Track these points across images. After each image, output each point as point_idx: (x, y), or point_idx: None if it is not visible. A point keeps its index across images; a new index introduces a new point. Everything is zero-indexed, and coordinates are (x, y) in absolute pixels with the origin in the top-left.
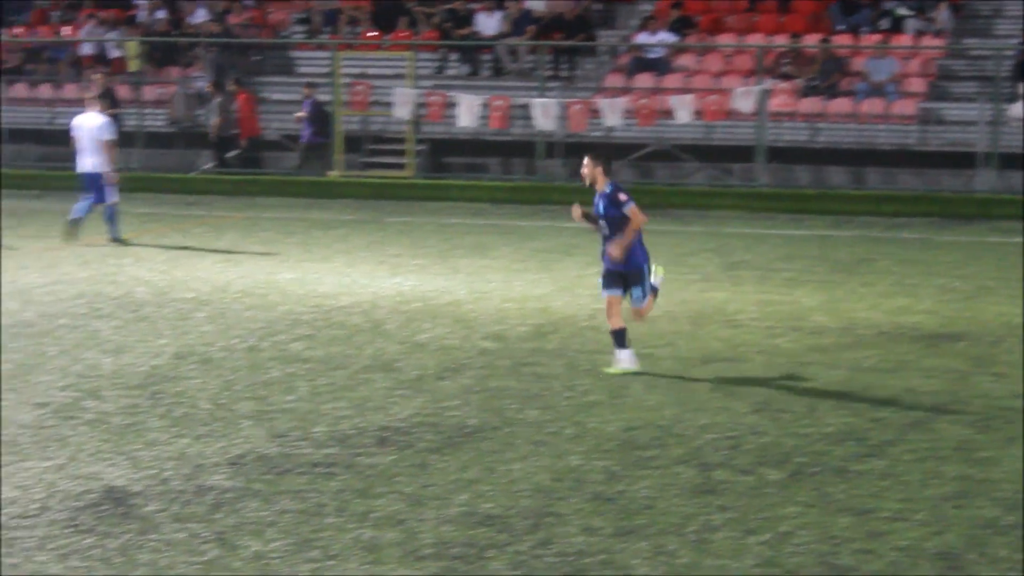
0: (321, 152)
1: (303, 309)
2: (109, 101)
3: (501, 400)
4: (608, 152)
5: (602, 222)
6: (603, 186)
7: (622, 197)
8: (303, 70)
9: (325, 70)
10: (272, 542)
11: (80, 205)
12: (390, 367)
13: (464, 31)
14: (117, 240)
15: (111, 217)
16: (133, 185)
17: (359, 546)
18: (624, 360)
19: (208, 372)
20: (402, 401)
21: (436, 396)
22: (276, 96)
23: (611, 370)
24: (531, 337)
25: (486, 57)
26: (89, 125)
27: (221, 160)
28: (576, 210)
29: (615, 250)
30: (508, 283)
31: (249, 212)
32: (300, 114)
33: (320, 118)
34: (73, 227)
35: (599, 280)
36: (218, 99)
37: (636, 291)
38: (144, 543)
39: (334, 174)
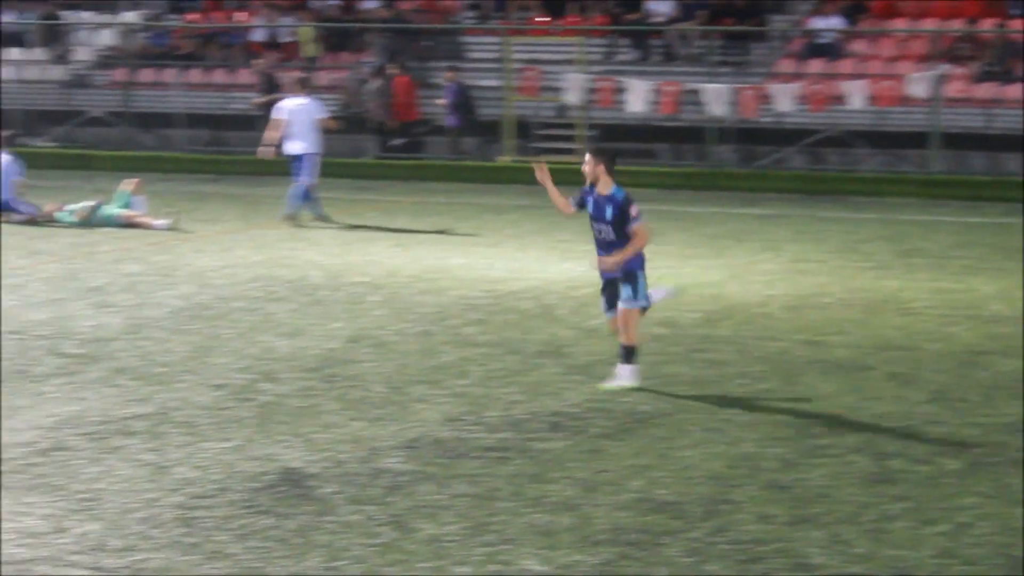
0: (465, 136)
1: (475, 294)
2: (268, 86)
3: (673, 386)
4: (612, 151)
5: (602, 226)
6: (608, 188)
7: (633, 212)
8: (473, 55)
9: (495, 55)
10: (446, 525)
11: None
12: (562, 352)
13: (634, 16)
14: (292, 219)
15: (299, 196)
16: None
17: (533, 531)
18: (625, 376)
19: (382, 355)
20: (574, 386)
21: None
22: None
23: (607, 386)
24: (703, 323)
25: (656, 42)
26: (301, 108)
27: (384, 145)
28: (542, 170)
29: (610, 262)
30: (679, 269)
31: (419, 197)
32: (442, 100)
33: (465, 103)
34: (319, 215)
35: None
36: (376, 83)
37: (626, 290)
38: (321, 524)
39: (504, 159)
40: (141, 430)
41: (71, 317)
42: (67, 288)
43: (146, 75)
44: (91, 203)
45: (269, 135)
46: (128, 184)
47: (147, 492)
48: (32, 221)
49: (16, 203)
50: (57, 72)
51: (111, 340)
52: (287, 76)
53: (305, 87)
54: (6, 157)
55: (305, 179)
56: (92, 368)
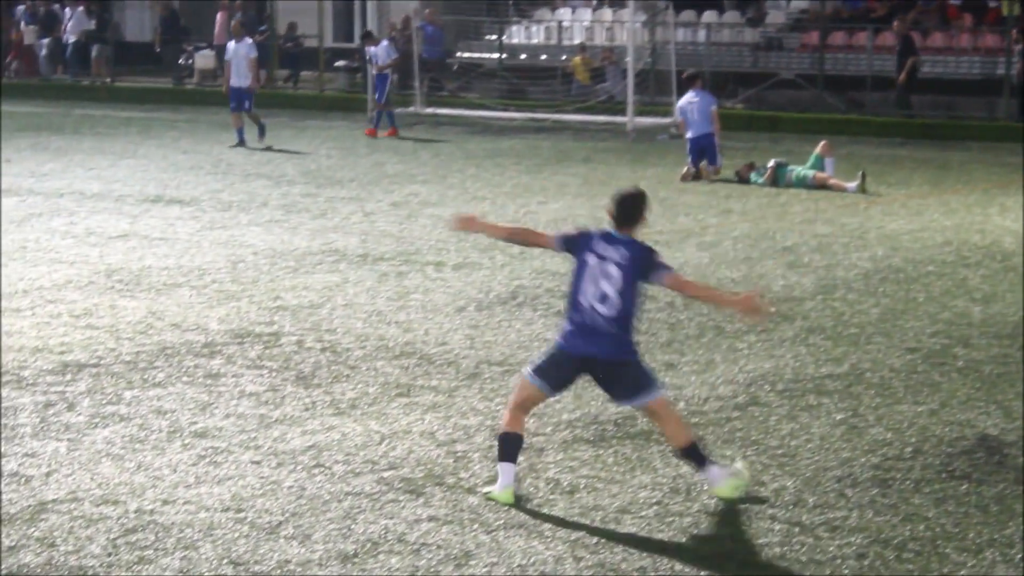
0: None
1: None
2: (905, 49)
3: None
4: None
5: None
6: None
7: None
8: None
9: None
10: None
11: None
12: None
13: None
14: None
15: None
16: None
17: None
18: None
19: None
20: None
21: None
22: None
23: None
24: None
25: None
26: None
27: None
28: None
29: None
30: None
31: None
32: None
33: None
34: None
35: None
36: None
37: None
38: (1020, 493)
39: None
40: (834, 389)
41: (764, 275)
42: (759, 247)
43: (837, 38)
44: (772, 162)
45: None
46: (818, 146)
47: (842, 451)
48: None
49: (717, 151)
50: (750, 35)
51: (803, 299)
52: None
53: None
54: (697, 95)
55: None
56: (786, 326)
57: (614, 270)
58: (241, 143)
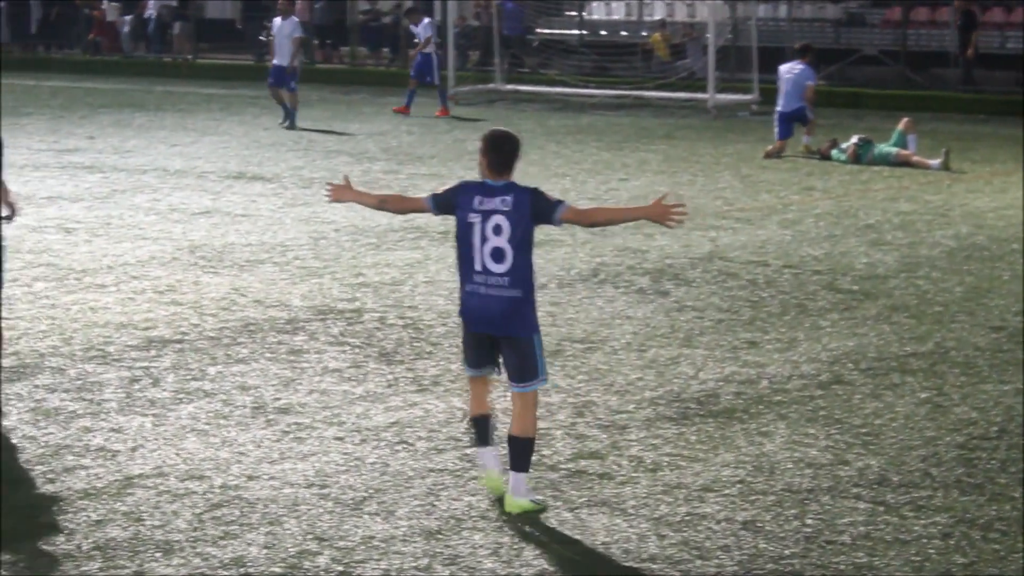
0: None
1: None
2: (967, 22)
3: None
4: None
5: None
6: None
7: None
8: None
9: None
10: None
11: None
12: None
13: None
14: None
15: None
16: None
17: None
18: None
19: None
20: None
21: None
22: None
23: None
24: None
25: None
26: None
27: None
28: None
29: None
30: None
31: None
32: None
33: None
34: None
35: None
36: None
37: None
38: None
39: None
40: (919, 368)
41: (846, 254)
42: (842, 225)
43: (920, 14)
44: (855, 139)
45: None
46: (901, 123)
47: (926, 430)
48: (808, 151)
49: (808, 110)
50: (832, 11)
51: (887, 277)
52: None
53: None
54: (799, 66)
55: None
56: (868, 304)
57: (502, 220)
58: (289, 117)
